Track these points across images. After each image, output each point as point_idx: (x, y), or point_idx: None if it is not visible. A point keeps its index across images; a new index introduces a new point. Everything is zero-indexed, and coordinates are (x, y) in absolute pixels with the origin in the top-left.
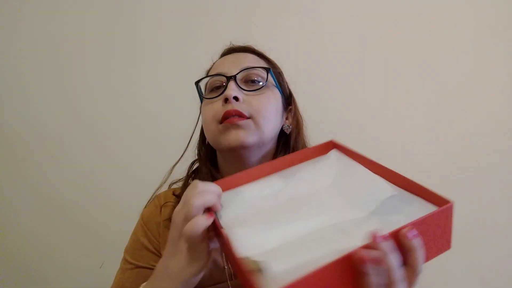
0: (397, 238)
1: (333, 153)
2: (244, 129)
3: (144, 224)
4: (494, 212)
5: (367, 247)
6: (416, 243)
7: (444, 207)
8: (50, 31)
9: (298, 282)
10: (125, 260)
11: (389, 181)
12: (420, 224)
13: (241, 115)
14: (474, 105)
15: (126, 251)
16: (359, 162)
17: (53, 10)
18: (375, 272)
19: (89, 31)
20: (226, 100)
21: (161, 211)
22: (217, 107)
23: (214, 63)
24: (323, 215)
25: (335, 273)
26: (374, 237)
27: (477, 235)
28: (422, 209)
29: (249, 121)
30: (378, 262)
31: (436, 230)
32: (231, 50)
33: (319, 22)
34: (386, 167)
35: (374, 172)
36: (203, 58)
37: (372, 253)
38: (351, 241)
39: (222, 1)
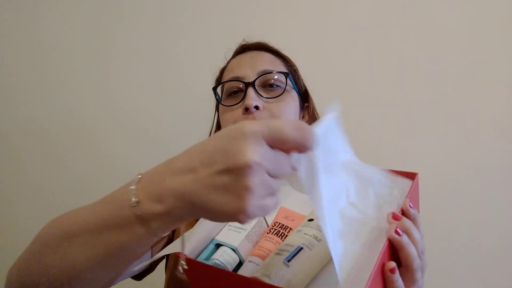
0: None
1: None
2: None
3: None
4: (494, 211)
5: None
6: (416, 212)
7: (416, 178)
8: (48, 30)
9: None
10: None
11: None
12: (410, 196)
13: None
14: (476, 105)
15: None
16: None
17: (53, 10)
18: (408, 241)
19: (88, 31)
20: (246, 109)
21: None
22: (237, 115)
23: (228, 63)
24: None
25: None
26: (394, 214)
27: (477, 234)
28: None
29: None
30: (408, 232)
31: (415, 199)
32: (245, 48)
33: (321, 21)
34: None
35: None
36: (200, 56)
37: (400, 227)
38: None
39: None
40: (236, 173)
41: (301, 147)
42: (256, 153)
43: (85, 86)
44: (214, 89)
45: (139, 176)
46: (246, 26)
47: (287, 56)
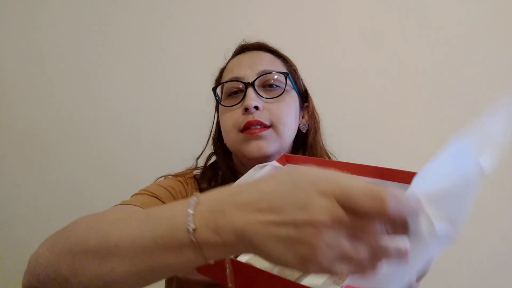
0: None
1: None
2: (266, 139)
3: (171, 186)
4: (493, 210)
5: None
6: None
7: None
8: (41, 31)
9: None
10: (142, 191)
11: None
12: None
13: (262, 125)
14: (476, 105)
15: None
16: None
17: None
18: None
19: (82, 30)
20: (246, 110)
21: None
22: (237, 115)
23: (227, 63)
24: None
25: None
26: None
27: (476, 233)
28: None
29: (270, 130)
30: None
31: None
32: (245, 49)
33: (321, 21)
34: (352, 163)
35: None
36: (199, 57)
37: None
38: None
39: None
40: (302, 229)
41: (379, 219)
42: (326, 214)
43: (82, 87)
44: (214, 89)
45: (196, 199)
46: (245, 26)
47: (286, 56)
